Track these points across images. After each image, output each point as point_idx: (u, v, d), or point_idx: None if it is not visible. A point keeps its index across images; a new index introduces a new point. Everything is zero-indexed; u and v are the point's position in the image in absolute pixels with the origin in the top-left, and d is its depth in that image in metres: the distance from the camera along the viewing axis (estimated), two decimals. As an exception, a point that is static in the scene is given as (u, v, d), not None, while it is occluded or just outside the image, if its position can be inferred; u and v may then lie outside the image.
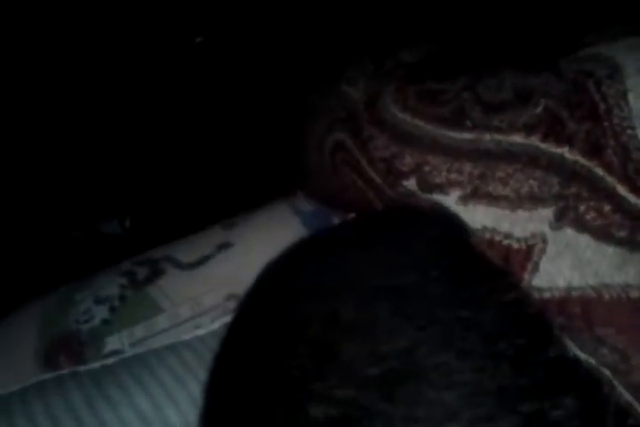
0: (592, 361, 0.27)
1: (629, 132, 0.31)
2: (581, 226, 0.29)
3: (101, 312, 0.62)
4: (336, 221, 0.64)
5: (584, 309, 0.27)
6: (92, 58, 0.81)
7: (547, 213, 0.29)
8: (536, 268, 0.29)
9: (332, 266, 0.35)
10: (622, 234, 0.29)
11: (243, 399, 0.33)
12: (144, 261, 0.68)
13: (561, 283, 0.28)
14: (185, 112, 0.86)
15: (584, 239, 0.28)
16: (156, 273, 0.66)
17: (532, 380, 0.28)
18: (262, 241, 0.64)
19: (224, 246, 0.68)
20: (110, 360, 0.53)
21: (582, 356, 0.28)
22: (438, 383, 0.28)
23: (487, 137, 0.33)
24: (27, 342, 0.60)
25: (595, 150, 0.31)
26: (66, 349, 0.59)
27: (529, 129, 0.32)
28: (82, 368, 0.53)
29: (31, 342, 0.60)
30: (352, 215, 0.60)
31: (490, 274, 0.31)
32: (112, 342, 0.60)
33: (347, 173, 0.44)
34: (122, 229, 0.89)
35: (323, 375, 0.30)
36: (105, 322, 0.62)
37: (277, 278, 0.39)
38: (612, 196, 0.30)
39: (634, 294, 0.27)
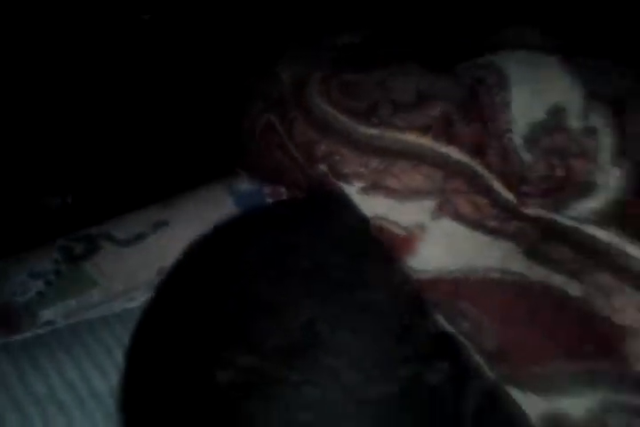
0: (455, 332, 0.31)
1: (509, 135, 0.35)
2: (457, 217, 0.33)
3: (36, 286, 0.64)
4: (269, 201, 0.68)
5: (453, 288, 0.32)
6: (35, 34, 0.81)
7: (429, 204, 0.33)
8: (416, 252, 0.33)
9: (256, 245, 0.38)
10: (493, 224, 0.33)
11: (158, 364, 0.36)
12: (81, 238, 0.69)
13: (436, 265, 0.32)
14: (129, 89, 0.87)
15: (458, 228, 0.32)
16: (92, 249, 0.68)
17: (413, 349, 0.32)
18: (195, 220, 0.67)
19: (159, 225, 0.70)
20: (42, 330, 0.55)
21: (448, 328, 0.32)
22: (331, 353, 0.32)
23: (389, 134, 0.36)
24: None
25: (478, 150, 0.35)
26: (1, 320, 0.61)
27: (424, 129, 0.35)
28: (14, 338, 0.55)
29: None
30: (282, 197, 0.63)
31: (384, 258, 0.35)
32: (47, 315, 0.62)
33: (276, 154, 0.47)
34: (63, 204, 0.90)
35: (232, 345, 0.34)
36: (40, 295, 0.64)
37: (202, 254, 0.42)
38: (487, 191, 0.34)
39: (494, 275, 0.31)
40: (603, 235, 0.30)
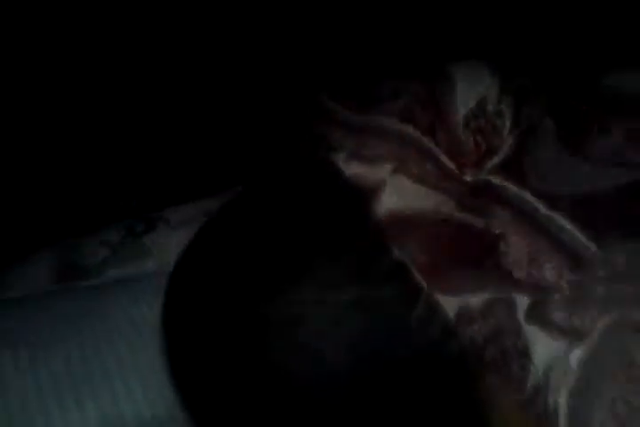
0: (403, 256, 0.44)
1: (455, 120, 0.47)
2: (408, 175, 0.45)
3: (104, 252, 0.80)
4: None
5: (401, 223, 0.44)
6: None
7: (389, 166, 0.46)
8: (379, 200, 0.46)
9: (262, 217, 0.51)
10: (433, 181, 0.45)
11: (200, 289, 0.49)
12: (143, 219, 0.85)
13: (390, 208, 0.45)
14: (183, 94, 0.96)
15: (407, 182, 0.45)
16: (150, 228, 0.84)
17: (373, 270, 0.44)
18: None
19: (208, 213, 0.85)
20: (108, 279, 0.69)
21: (399, 254, 0.44)
22: (311, 273, 0.44)
23: (367, 119, 0.50)
24: (43, 267, 0.77)
25: (431, 131, 0.48)
26: (73, 275, 0.76)
27: (391, 115, 0.49)
28: (84, 284, 0.69)
29: (46, 268, 0.77)
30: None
31: (360, 207, 0.47)
32: (111, 273, 0.77)
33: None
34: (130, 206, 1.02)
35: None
36: (106, 259, 0.79)
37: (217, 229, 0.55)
38: (434, 159, 0.46)
39: (428, 214, 0.43)
40: (498, 181, 0.42)
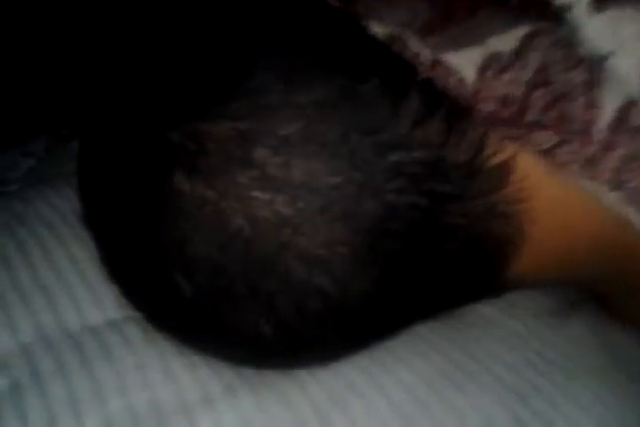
0: (396, 24, 0.32)
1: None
2: None
3: (28, 162, 0.67)
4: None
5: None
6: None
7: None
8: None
9: None
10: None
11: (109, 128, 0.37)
12: (70, 126, 0.72)
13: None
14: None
15: None
16: (79, 131, 0.71)
17: (346, 59, 0.33)
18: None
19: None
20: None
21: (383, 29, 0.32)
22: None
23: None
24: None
25: None
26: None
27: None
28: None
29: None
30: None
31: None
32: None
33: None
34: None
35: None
36: (32, 169, 0.66)
37: None
38: None
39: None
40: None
